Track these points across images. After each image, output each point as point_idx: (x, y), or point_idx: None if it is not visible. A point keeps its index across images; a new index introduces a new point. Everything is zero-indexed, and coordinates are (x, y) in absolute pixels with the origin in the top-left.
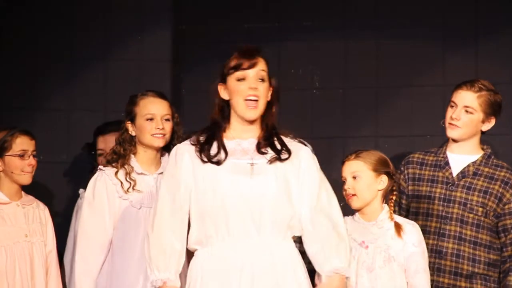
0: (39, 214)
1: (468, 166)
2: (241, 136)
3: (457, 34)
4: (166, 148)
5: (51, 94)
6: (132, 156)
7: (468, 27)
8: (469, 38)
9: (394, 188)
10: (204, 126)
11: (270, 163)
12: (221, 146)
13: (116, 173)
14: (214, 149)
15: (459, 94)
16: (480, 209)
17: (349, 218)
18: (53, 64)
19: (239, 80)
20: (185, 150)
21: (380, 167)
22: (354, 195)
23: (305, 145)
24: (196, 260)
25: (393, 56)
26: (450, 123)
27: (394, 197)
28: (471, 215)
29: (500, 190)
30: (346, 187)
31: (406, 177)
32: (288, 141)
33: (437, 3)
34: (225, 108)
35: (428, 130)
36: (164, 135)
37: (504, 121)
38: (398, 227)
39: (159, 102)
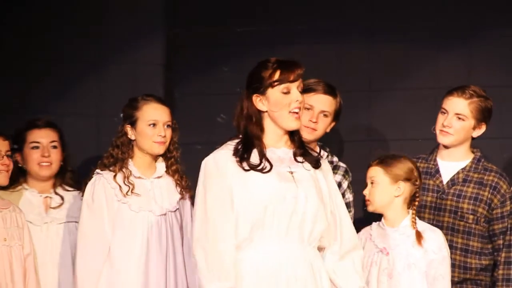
0: (16, 218)
1: (458, 173)
2: (275, 145)
3: (449, 37)
4: (162, 154)
5: (44, 98)
6: (130, 160)
7: (460, 30)
8: (462, 42)
9: (417, 195)
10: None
11: (308, 172)
12: (263, 155)
13: (115, 176)
14: (254, 158)
15: (450, 101)
16: (471, 216)
17: (375, 224)
18: (46, 68)
19: (284, 93)
20: (227, 158)
21: (398, 173)
22: (369, 200)
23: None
24: (239, 261)
25: (386, 59)
26: (441, 130)
27: (416, 203)
28: (462, 223)
29: (489, 196)
30: (364, 192)
31: None
32: (311, 149)
33: (430, 6)
34: (259, 119)
35: (420, 133)
36: (164, 142)
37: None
38: (419, 235)
39: (162, 109)
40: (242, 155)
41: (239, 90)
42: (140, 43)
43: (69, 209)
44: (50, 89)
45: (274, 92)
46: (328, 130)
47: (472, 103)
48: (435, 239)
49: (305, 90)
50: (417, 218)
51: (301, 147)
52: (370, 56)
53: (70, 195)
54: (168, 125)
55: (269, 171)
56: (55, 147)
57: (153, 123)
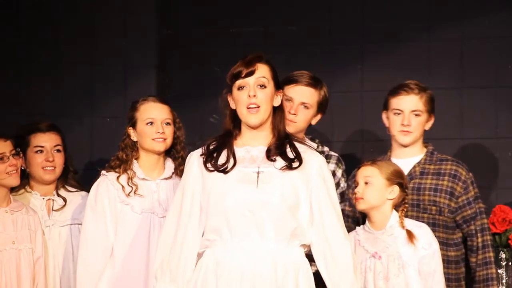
0: (28, 220)
1: (414, 167)
2: (250, 143)
3: (442, 37)
4: (169, 153)
5: (36, 99)
6: (135, 161)
7: (453, 30)
8: (454, 42)
9: (406, 200)
10: (189, 131)
11: (279, 171)
12: (231, 154)
13: (118, 177)
14: (223, 157)
15: (402, 100)
16: (433, 207)
17: (360, 228)
18: (38, 69)
19: (239, 89)
20: (195, 158)
21: (393, 177)
22: (361, 198)
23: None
24: (200, 261)
25: (380, 60)
26: (401, 131)
27: (405, 209)
28: (425, 215)
29: (450, 184)
30: (356, 190)
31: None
32: (302, 148)
33: (422, 7)
34: (236, 117)
35: None
36: (164, 139)
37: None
38: (410, 234)
39: (159, 107)
40: (210, 154)
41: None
42: (132, 44)
43: (74, 211)
44: (43, 91)
45: (234, 89)
46: (313, 123)
47: (422, 96)
48: (423, 235)
49: (287, 82)
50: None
51: (278, 145)
52: (361, 57)
53: (74, 196)
54: (167, 123)
55: (229, 171)
56: (58, 151)
57: (150, 121)
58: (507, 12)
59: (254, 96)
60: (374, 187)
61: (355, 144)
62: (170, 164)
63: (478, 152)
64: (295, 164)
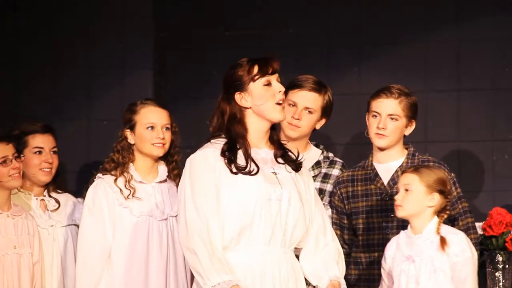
0: (27, 225)
1: (396, 171)
2: (257, 146)
3: (439, 40)
4: (163, 157)
5: (33, 102)
6: (131, 164)
7: (449, 33)
8: (451, 44)
9: (447, 207)
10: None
11: (289, 173)
12: (248, 156)
13: (116, 180)
14: (240, 159)
15: (380, 103)
16: None
17: (403, 232)
18: (36, 72)
19: (265, 85)
20: (216, 156)
21: (434, 185)
22: (400, 206)
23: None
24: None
25: (377, 63)
26: (377, 133)
27: (445, 216)
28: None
29: None
30: (396, 197)
31: (341, 197)
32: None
33: (419, 10)
34: (242, 117)
35: (412, 137)
36: (164, 144)
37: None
38: (443, 241)
39: (160, 111)
40: (229, 157)
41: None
42: (129, 47)
43: (67, 212)
44: (39, 93)
45: (256, 86)
46: (317, 128)
47: (402, 101)
48: (457, 242)
49: (291, 87)
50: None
51: (280, 148)
52: (359, 60)
53: (63, 197)
54: (166, 128)
55: (256, 173)
56: (55, 152)
57: (151, 126)
58: (504, 14)
59: (284, 92)
60: (413, 195)
61: (352, 147)
62: (163, 168)
63: (475, 154)
64: (297, 168)
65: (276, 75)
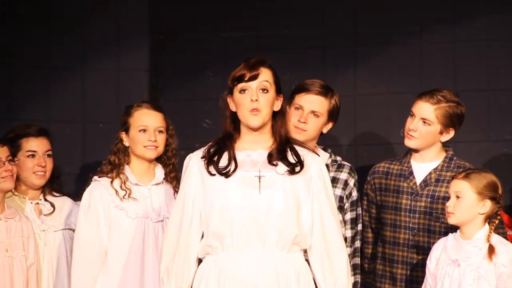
0: (21, 228)
1: (430, 174)
2: (251, 147)
3: (434, 40)
4: (160, 160)
5: (29, 104)
6: (127, 166)
7: (445, 34)
8: (447, 45)
9: (499, 212)
10: (181, 136)
11: (280, 176)
12: (232, 157)
13: (112, 182)
14: (224, 160)
15: (418, 105)
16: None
17: (452, 235)
18: (30, 74)
19: (241, 92)
20: (195, 161)
21: (485, 192)
22: (452, 213)
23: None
24: (202, 268)
25: (372, 64)
26: (407, 133)
27: (496, 221)
28: (437, 224)
29: None
30: (447, 204)
31: (373, 187)
32: (303, 151)
33: (414, 11)
34: (236, 119)
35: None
36: (156, 147)
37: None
38: (491, 250)
39: (153, 114)
40: (211, 157)
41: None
42: (125, 49)
43: (62, 216)
44: (35, 95)
45: (235, 92)
46: (324, 131)
47: (439, 108)
48: (505, 253)
49: (297, 90)
50: (493, 232)
51: (280, 149)
52: (354, 61)
53: (59, 201)
54: (160, 131)
55: (230, 174)
56: (49, 155)
57: (143, 128)
58: (499, 15)
59: (257, 100)
60: (465, 202)
61: (348, 148)
62: (160, 170)
63: (470, 155)
64: (297, 169)
65: (258, 81)
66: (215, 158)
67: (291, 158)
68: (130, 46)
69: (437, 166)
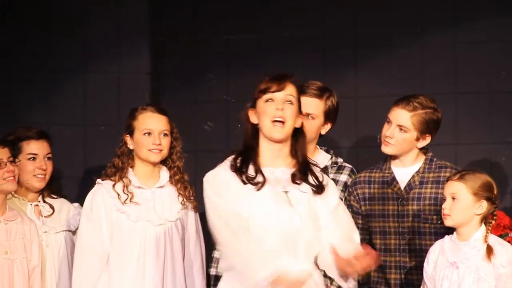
0: (23, 230)
1: (413, 177)
2: (273, 164)
3: (435, 42)
4: (164, 162)
5: (30, 107)
6: (130, 169)
7: (446, 36)
8: (448, 47)
9: (495, 212)
10: (183, 139)
11: (304, 194)
12: (259, 170)
13: (114, 185)
14: (251, 171)
15: (394, 112)
16: (435, 217)
17: (448, 237)
18: (32, 77)
19: (266, 101)
20: (225, 174)
21: (481, 192)
22: (448, 215)
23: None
24: (225, 283)
25: (373, 66)
26: (384, 140)
27: (493, 222)
28: (427, 225)
29: None
30: (443, 205)
31: (357, 197)
32: (316, 171)
33: (415, 12)
34: (256, 133)
35: None
36: (160, 150)
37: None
38: (489, 251)
39: (157, 117)
40: (240, 168)
41: (226, 98)
42: (126, 52)
43: (61, 217)
44: (36, 99)
45: (260, 102)
46: (323, 133)
47: (415, 115)
48: (504, 253)
49: None
50: (490, 233)
51: (302, 170)
52: (355, 63)
53: (58, 203)
54: (164, 134)
55: (262, 186)
56: (49, 158)
57: (148, 132)
58: (500, 17)
59: (282, 109)
60: (461, 204)
61: (349, 150)
62: (165, 173)
63: (472, 157)
64: (320, 191)
65: (284, 93)
66: (243, 169)
67: (311, 179)
68: (131, 49)
69: (419, 169)
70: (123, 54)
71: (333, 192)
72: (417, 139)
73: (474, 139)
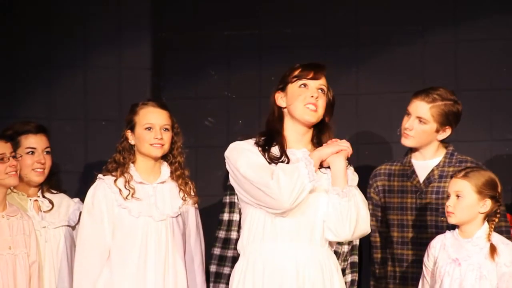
0: (23, 225)
1: (433, 170)
2: (295, 146)
3: (436, 40)
4: (165, 158)
5: (30, 102)
6: (132, 165)
7: (447, 33)
8: (448, 45)
9: (498, 210)
10: (184, 134)
11: (325, 176)
12: (283, 150)
13: (115, 181)
14: (274, 152)
15: (414, 104)
16: None
17: (450, 232)
18: (33, 72)
19: (301, 86)
20: (250, 146)
21: (485, 191)
22: (452, 213)
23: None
24: (247, 256)
25: (374, 63)
26: (404, 132)
27: (496, 219)
28: (445, 220)
29: None
30: (447, 203)
31: (377, 190)
32: None
33: (416, 11)
34: (281, 116)
35: None
36: (162, 145)
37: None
38: (493, 249)
39: (158, 112)
40: (263, 146)
41: (227, 94)
42: (127, 47)
43: (61, 213)
44: (36, 94)
45: (292, 87)
46: None
47: (434, 107)
48: (507, 253)
49: None
50: (493, 231)
51: None
52: (356, 60)
53: (57, 198)
54: (165, 129)
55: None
56: (48, 152)
57: (149, 126)
58: (501, 15)
59: (317, 98)
60: (465, 202)
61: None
62: (165, 169)
63: (472, 154)
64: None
65: (317, 82)
66: (267, 147)
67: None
68: (132, 44)
69: (439, 163)
70: (124, 50)
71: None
72: (437, 131)
73: (474, 136)
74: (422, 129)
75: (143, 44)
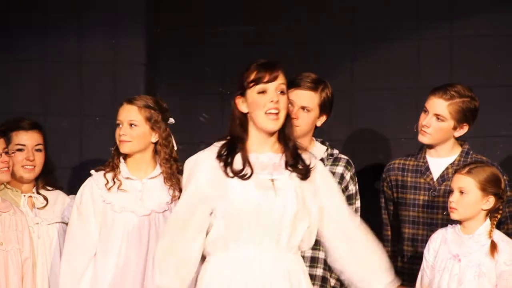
0: (15, 221)
1: (447, 168)
2: (259, 150)
3: (432, 37)
4: (158, 154)
5: (25, 98)
6: (122, 160)
7: (443, 30)
8: (444, 41)
9: (501, 207)
10: (178, 130)
11: (290, 180)
12: (246, 161)
13: (105, 174)
14: (237, 163)
15: (431, 101)
16: None
17: (451, 227)
18: (27, 67)
19: (259, 93)
20: (205, 161)
21: (489, 187)
22: (455, 209)
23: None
24: (211, 264)
25: (370, 59)
26: (421, 129)
27: (498, 216)
28: (447, 215)
29: None
30: (451, 199)
31: (390, 184)
32: (304, 156)
33: (412, 6)
34: (244, 121)
35: (403, 133)
36: (128, 141)
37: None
38: (493, 247)
39: (126, 108)
40: (226, 159)
41: (221, 90)
42: (122, 43)
43: (56, 209)
44: (32, 89)
45: (251, 93)
46: (318, 125)
47: (452, 104)
48: (508, 251)
49: (288, 85)
50: (495, 228)
51: (293, 155)
52: (351, 56)
53: (53, 194)
54: (132, 124)
55: (248, 177)
56: (39, 150)
57: (117, 123)
58: (497, 11)
59: (277, 101)
60: (469, 199)
61: (345, 143)
62: (158, 165)
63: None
64: (307, 175)
65: (274, 83)
66: (229, 160)
67: (300, 165)
68: (127, 39)
69: (454, 161)
70: (119, 45)
71: (322, 179)
72: (454, 128)
73: (469, 132)
74: (440, 126)
75: (138, 40)
